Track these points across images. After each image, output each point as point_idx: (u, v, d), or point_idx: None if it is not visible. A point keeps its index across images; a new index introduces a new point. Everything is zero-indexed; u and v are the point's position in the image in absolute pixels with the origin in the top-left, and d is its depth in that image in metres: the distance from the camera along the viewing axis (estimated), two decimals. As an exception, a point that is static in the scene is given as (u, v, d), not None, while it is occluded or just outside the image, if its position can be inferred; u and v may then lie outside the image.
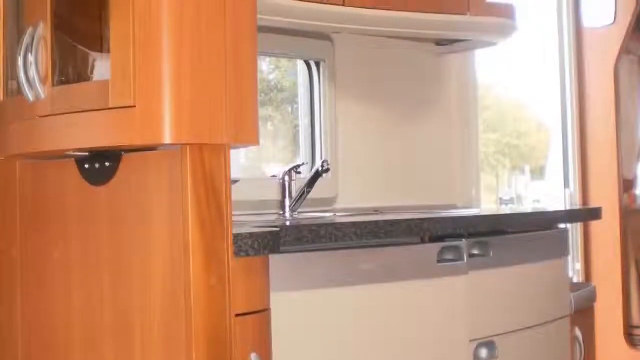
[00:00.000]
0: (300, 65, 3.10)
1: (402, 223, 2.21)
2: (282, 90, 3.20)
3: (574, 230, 3.94)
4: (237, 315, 1.76)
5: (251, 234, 1.80)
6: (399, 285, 2.20)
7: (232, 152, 1.78)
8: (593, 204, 3.98)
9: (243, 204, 2.64)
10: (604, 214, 3.15)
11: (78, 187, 1.89)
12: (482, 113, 3.88)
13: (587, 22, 4.03)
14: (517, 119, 4.58)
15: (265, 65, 3.15)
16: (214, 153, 1.72)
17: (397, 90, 3.31)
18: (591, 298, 3.12)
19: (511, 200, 4.26)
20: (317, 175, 2.81)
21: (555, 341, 2.72)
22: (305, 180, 2.82)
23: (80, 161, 1.89)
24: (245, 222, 2.23)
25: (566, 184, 4.07)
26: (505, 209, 3.81)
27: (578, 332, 2.88)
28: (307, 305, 2.01)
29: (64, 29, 1.95)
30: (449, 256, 2.32)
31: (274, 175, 2.87)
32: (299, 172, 2.83)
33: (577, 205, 4.01)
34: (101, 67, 1.95)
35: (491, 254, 2.43)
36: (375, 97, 3.25)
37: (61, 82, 1.91)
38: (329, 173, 2.89)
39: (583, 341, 2.91)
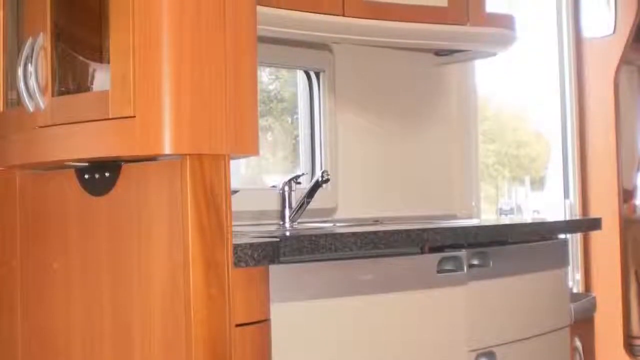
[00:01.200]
0: (300, 75, 3.10)
1: (402, 233, 2.21)
2: (282, 101, 3.20)
3: (574, 241, 3.93)
4: (237, 325, 1.76)
5: (251, 245, 1.80)
6: (399, 295, 2.19)
7: (232, 162, 1.78)
8: (593, 214, 3.98)
9: (243, 215, 2.64)
10: (604, 224, 3.14)
11: (78, 198, 1.89)
12: (481, 123, 3.88)
13: (587, 32, 4.04)
14: (517, 130, 4.58)
15: (265, 75, 3.15)
16: (214, 163, 1.72)
17: (397, 101, 3.31)
18: (591, 308, 3.11)
19: (511, 211, 4.25)
20: (317, 186, 2.81)
21: (555, 351, 2.72)
22: (305, 191, 2.82)
23: (80, 171, 1.89)
24: (245, 232, 2.23)
25: (566, 194, 4.07)
26: (505, 220, 3.80)
27: (578, 342, 2.88)
28: (307, 316, 2.01)
29: (64, 39, 1.96)
30: (448, 267, 2.32)
31: (274, 186, 2.87)
32: (299, 183, 2.82)
33: (577, 215, 4.01)
34: (101, 78, 1.95)
35: (491, 264, 2.43)
36: (375, 107, 3.25)
37: (61, 93, 1.91)
38: (329, 184, 2.89)
39: (583, 352, 2.91)
